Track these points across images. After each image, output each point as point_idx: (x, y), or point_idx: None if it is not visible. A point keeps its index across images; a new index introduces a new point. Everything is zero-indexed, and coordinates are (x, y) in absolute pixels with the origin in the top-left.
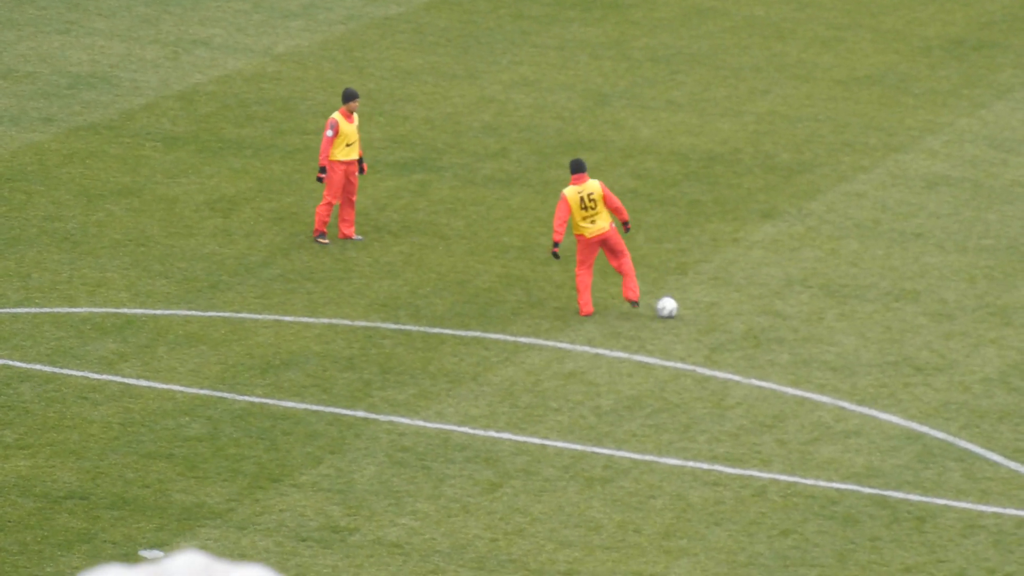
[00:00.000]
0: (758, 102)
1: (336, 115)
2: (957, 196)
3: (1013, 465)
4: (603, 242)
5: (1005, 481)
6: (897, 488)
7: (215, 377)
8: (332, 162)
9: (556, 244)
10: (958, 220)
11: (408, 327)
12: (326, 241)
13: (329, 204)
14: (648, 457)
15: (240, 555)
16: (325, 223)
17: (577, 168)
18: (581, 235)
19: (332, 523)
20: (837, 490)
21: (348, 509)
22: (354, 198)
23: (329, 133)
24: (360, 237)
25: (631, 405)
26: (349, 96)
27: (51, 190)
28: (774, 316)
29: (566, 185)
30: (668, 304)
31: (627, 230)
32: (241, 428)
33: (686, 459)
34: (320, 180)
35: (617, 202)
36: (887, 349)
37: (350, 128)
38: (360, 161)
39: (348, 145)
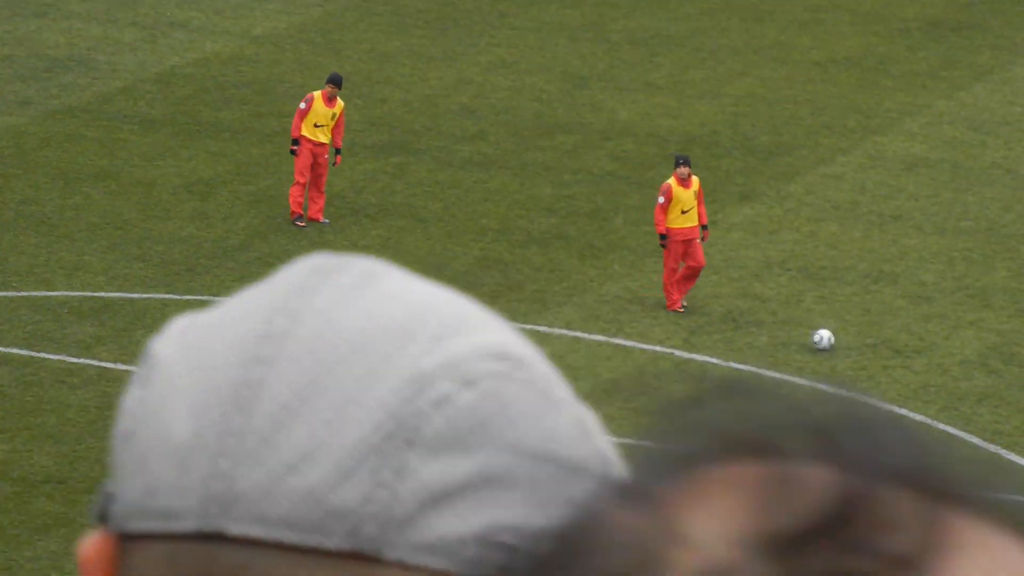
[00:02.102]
0: (736, 84)
1: (316, 93)
2: (936, 178)
3: (992, 447)
4: None
5: (983, 464)
6: None
7: None
8: (301, 137)
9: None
10: (937, 202)
11: None
12: (303, 224)
13: (300, 185)
14: (627, 441)
15: None
16: (300, 204)
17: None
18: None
19: None
20: None
21: None
22: (323, 182)
23: (302, 105)
24: (327, 221)
25: (610, 388)
26: (332, 79)
27: (28, 173)
28: (753, 299)
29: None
30: (825, 335)
31: (660, 244)
32: None
33: None
34: (293, 152)
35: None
36: (866, 331)
37: (325, 110)
38: (337, 152)
39: (317, 126)
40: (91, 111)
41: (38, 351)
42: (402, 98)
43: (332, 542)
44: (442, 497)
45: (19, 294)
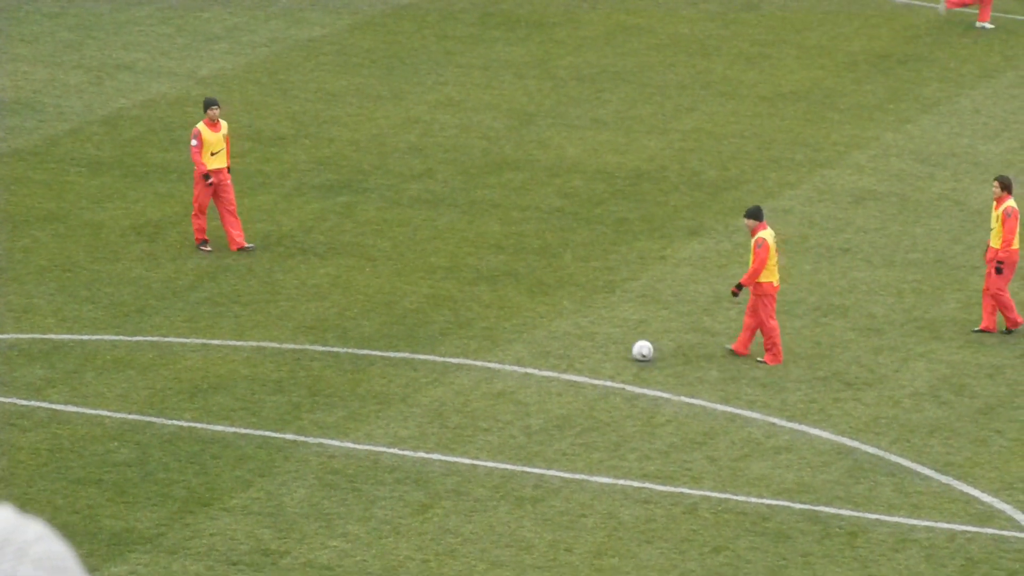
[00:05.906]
0: (684, 119)
1: (200, 125)
2: (884, 211)
3: (944, 479)
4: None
5: (936, 495)
6: (828, 503)
7: (143, 402)
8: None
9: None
10: (885, 235)
11: (336, 349)
12: (208, 249)
13: (198, 213)
14: (578, 476)
15: None
16: (203, 229)
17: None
18: (771, 283)
19: (263, 546)
20: (768, 506)
21: (278, 532)
22: (233, 207)
23: (194, 143)
24: (252, 245)
25: (561, 424)
26: (207, 104)
27: None
28: (703, 333)
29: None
30: (643, 349)
31: (734, 294)
32: (170, 452)
33: (617, 477)
34: (210, 184)
35: (754, 258)
36: (816, 364)
37: (214, 137)
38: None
39: (213, 154)
40: (38, 154)
41: None
42: (350, 137)
43: None
44: None
45: None
